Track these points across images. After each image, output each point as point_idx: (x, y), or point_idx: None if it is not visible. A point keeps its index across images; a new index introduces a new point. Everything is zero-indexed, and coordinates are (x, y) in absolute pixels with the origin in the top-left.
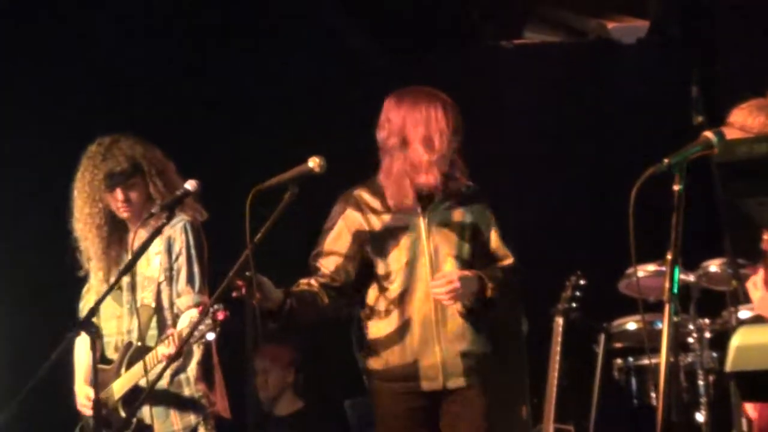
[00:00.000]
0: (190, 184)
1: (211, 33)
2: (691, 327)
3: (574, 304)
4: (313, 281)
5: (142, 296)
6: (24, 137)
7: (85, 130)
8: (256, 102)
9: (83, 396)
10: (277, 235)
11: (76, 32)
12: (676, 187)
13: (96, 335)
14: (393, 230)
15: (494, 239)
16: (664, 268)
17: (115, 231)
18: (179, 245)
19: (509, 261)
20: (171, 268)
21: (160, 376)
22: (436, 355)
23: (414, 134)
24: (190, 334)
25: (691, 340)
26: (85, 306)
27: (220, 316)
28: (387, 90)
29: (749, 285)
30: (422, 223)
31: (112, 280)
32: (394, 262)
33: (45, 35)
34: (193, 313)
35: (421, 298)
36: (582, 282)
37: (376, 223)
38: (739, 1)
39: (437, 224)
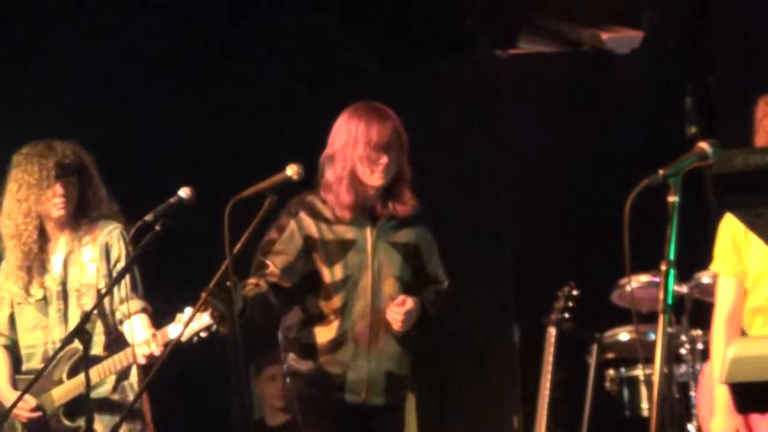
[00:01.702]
0: (184, 192)
1: (204, 41)
2: (684, 338)
3: (566, 315)
4: (261, 282)
5: (82, 303)
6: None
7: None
8: (248, 111)
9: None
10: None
11: (66, 36)
12: (670, 198)
13: (88, 342)
14: (342, 242)
15: (433, 262)
16: (657, 279)
17: (41, 241)
18: (117, 252)
19: (444, 285)
20: (110, 275)
21: (147, 384)
22: (363, 370)
23: (336, 150)
24: (182, 334)
25: (683, 351)
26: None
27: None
28: (381, 99)
29: None
30: (369, 239)
31: (34, 291)
32: (338, 274)
33: (36, 39)
34: (143, 318)
35: (359, 313)
36: (575, 292)
37: (327, 232)
38: (733, 13)
39: (383, 243)
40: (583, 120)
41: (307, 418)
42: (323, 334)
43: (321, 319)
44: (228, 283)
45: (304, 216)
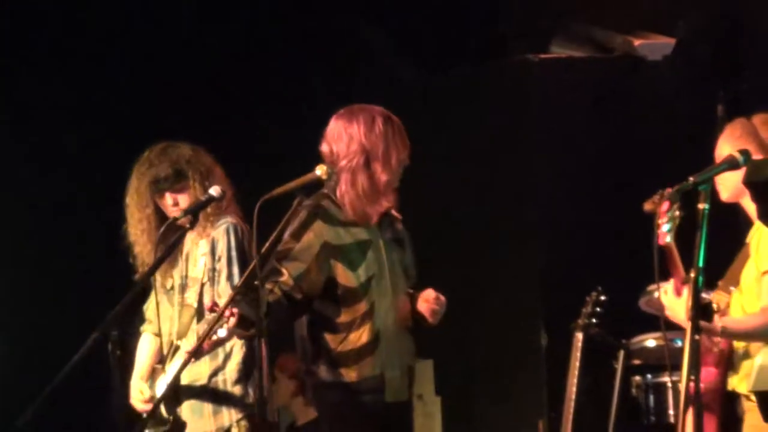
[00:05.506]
0: (214, 190)
1: (236, 46)
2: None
3: (594, 320)
4: (276, 289)
5: (186, 296)
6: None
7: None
8: (279, 116)
9: (137, 390)
10: None
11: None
12: (700, 206)
13: (114, 338)
14: (360, 244)
15: (412, 259)
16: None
17: (170, 234)
18: (221, 246)
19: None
20: (213, 269)
21: (179, 374)
22: (397, 367)
23: (374, 153)
24: (208, 331)
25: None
26: (147, 309)
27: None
28: (415, 103)
29: (660, 292)
30: (380, 238)
31: (168, 282)
32: (362, 276)
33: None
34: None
35: (385, 311)
36: (602, 298)
37: (345, 236)
38: (766, 21)
39: (390, 240)
40: (614, 125)
41: (347, 428)
42: (358, 339)
43: (349, 324)
44: (255, 283)
45: (319, 224)
